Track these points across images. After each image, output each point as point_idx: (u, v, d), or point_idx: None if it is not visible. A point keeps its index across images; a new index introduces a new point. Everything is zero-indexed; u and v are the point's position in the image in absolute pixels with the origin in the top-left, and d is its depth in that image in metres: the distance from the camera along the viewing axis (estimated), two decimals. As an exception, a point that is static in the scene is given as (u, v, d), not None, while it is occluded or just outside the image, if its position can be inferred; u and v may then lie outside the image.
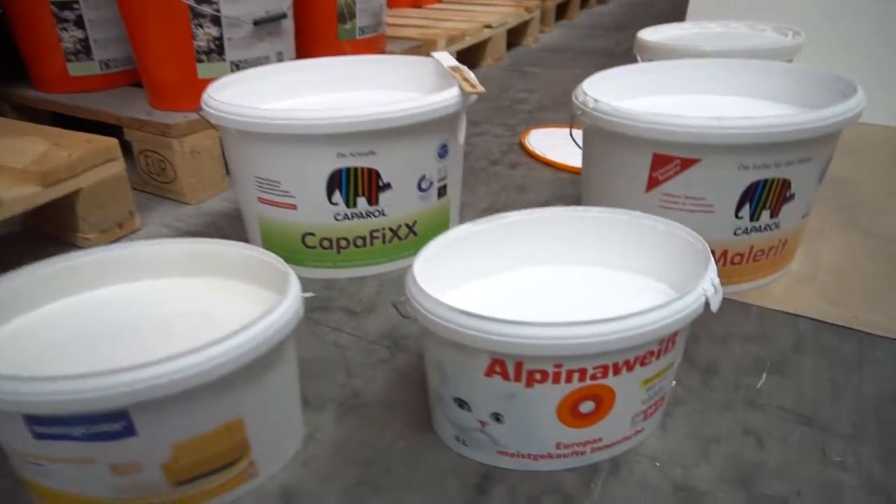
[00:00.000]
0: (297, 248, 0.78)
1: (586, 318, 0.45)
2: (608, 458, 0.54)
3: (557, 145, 1.17)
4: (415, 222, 0.79)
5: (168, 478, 0.47)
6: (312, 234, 0.77)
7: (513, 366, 0.47)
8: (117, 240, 0.91)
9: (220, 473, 0.49)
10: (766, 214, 0.70)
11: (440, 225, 0.83)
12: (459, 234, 0.58)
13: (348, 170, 0.72)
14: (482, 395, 0.50)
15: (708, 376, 0.63)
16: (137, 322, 0.53)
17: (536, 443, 0.52)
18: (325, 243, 0.77)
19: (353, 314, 0.74)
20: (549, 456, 0.52)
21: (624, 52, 1.91)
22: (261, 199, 0.76)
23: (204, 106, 0.73)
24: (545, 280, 0.60)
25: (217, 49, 0.98)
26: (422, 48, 1.48)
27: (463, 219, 0.93)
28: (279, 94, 0.87)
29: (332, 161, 0.71)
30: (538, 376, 0.47)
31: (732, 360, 0.65)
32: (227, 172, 1.04)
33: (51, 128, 0.94)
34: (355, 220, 0.76)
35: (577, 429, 0.51)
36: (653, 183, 0.70)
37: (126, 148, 0.94)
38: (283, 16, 1.04)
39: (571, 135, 0.77)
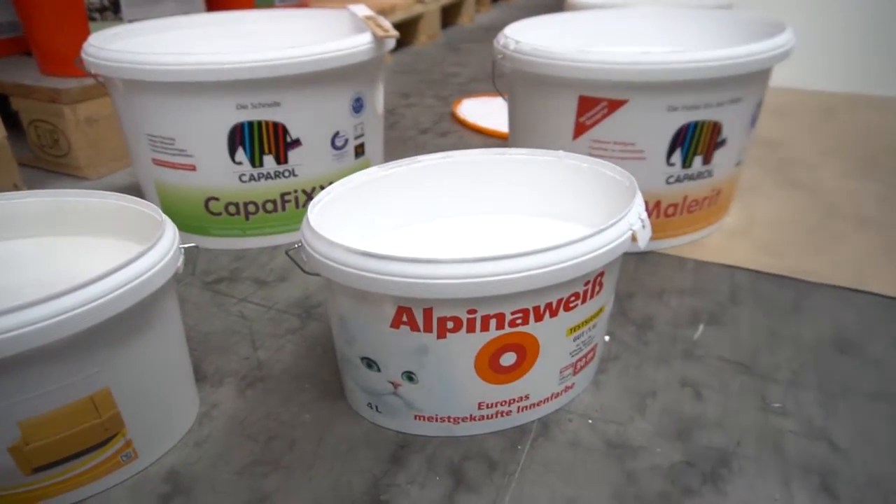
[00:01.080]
0: (200, 216, 0.70)
1: (501, 254, 0.39)
2: (536, 418, 0.49)
3: (490, 112, 1.13)
4: (330, 183, 0.73)
5: (20, 463, 0.40)
6: (216, 199, 0.69)
7: (421, 314, 0.41)
8: None
9: (88, 456, 0.42)
10: (698, 161, 0.66)
11: (361, 188, 0.77)
12: (364, 179, 0.52)
13: (251, 123, 0.65)
14: (391, 352, 0.44)
15: (643, 331, 0.59)
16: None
17: (455, 403, 0.46)
18: (232, 209, 0.70)
19: (262, 284, 0.67)
20: (471, 418, 0.47)
21: (560, 30, 1.89)
22: (156, 161, 0.68)
23: (83, 55, 0.65)
24: (462, 231, 0.55)
25: (112, 5, 0.89)
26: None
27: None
28: (178, 51, 0.79)
29: (231, 113, 0.64)
30: (450, 324, 0.42)
31: (668, 314, 0.61)
32: (131, 144, 0.95)
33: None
34: (263, 181, 0.69)
35: (499, 385, 0.46)
36: (580, 129, 0.65)
37: (13, 120, 0.84)
38: (189, -27, 0.96)
39: (494, 82, 0.72)
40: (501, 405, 0.47)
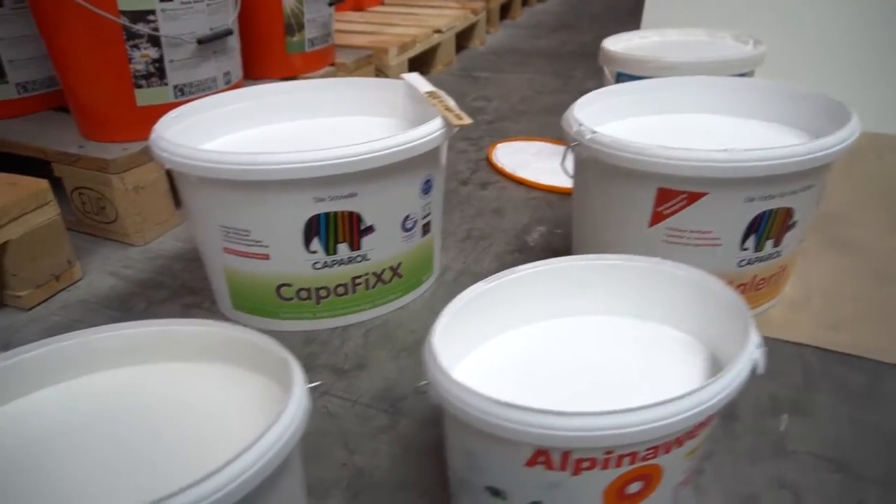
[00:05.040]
0: (270, 301, 0.70)
1: (637, 404, 0.40)
2: (648, 532, 0.50)
3: (526, 162, 1.13)
4: (399, 264, 0.73)
5: None
6: (288, 285, 0.69)
7: (559, 456, 0.42)
8: (56, 294, 0.80)
9: None
10: (769, 244, 0.67)
11: (424, 263, 0.77)
12: (470, 297, 0.52)
13: (327, 215, 0.65)
14: (521, 485, 0.45)
15: (729, 422, 0.60)
16: (105, 430, 0.44)
17: (578, 528, 0.47)
18: (303, 294, 0.70)
19: (340, 372, 0.67)
20: (590, 539, 0.48)
21: (572, 53, 1.89)
22: (227, 250, 0.68)
23: (155, 149, 0.64)
24: (563, 335, 0.56)
25: (157, 72, 0.87)
26: (373, 56, 1.40)
27: (443, 250, 0.87)
28: (235, 125, 0.78)
29: (309, 207, 0.64)
30: (586, 464, 0.43)
31: (749, 401, 0.63)
32: (178, 206, 0.94)
33: (-37, 168, 0.82)
34: (336, 267, 0.69)
35: (621, 510, 0.47)
36: (657, 218, 0.66)
37: (55, 183, 0.82)
38: (229, 32, 0.94)
39: (563, 165, 0.72)
40: (619, 526, 0.48)
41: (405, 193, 0.69)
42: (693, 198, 0.63)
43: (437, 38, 1.62)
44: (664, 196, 0.64)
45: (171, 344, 0.49)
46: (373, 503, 0.53)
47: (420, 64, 1.64)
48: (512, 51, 1.94)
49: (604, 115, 0.79)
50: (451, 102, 0.72)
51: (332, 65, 1.29)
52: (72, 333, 0.47)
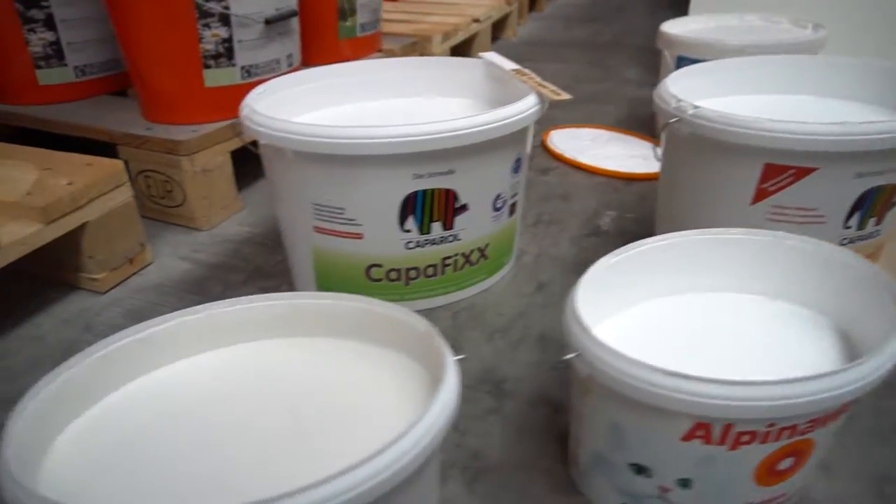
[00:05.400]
0: (359, 283, 0.69)
1: (807, 374, 0.39)
2: (784, 511, 0.49)
3: (584, 147, 1.12)
4: (487, 245, 0.71)
5: None
6: (379, 266, 0.68)
7: (720, 429, 0.40)
8: (129, 277, 0.78)
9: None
10: (871, 223, 0.66)
11: (507, 245, 0.76)
12: (599, 270, 0.51)
13: (424, 192, 0.64)
14: (672, 461, 0.43)
15: (843, 402, 0.59)
16: (244, 404, 0.43)
17: (723, 506, 0.45)
18: (393, 275, 0.68)
19: (435, 354, 0.65)
20: (732, 518, 0.46)
21: (604, 44, 1.88)
22: (318, 229, 0.66)
23: (250, 123, 0.63)
24: (687, 310, 0.54)
25: (226, 52, 0.86)
26: (417, 44, 1.39)
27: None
28: (317, 104, 0.77)
29: (407, 183, 0.63)
30: (746, 438, 0.41)
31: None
32: (240, 191, 0.93)
33: (33, 148, 0.80)
34: (428, 247, 0.67)
35: (767, 487, 0.45)
36: (760, 195, 0.64)
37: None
38: (294, 13, 0.93)
39: (655, 151, 0.71)
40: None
41: (498, 172, 0.68)
42: (801, 173, 0.62)
43: (475, 27, 1.60)
44: (770, 172, 0.63)
45: (297, 318, 0.47)
46: (493, 484, 0.51)
47: (458, 54, 1.62)
48: (544, 42, 1.93)
49: (691, 96, 0.77)
50: (550, 84, 0.71)
51: (380, 51, 1.27)
52: (197, 307, 0.45)
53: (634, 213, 0.92)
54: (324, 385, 0.44)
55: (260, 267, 0.81)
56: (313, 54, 1.13)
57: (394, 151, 0.59)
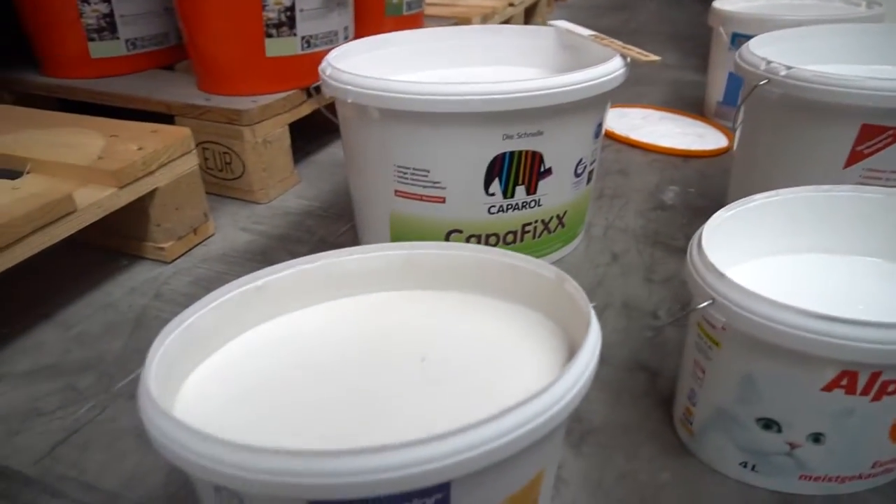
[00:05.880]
0: (437, 248, 0.67)
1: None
2: (909, 471, 0.47)
3: (636, 126, 1.10)
4: (565, 212, 0.70)
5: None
6: (459, 231, 0.66)
7: (867, 377, 0.39)
8: (193, 248, 0.77)
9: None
10: (964, 188, 0.65)
11: (582, 214, 0.74)
12: (716, 224, 0.49)
13: (512, 154, 0.62)
14: (808, 414, 0.42)
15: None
16: (372, 354, 0.41)
17: (854, 463, 0.44)
18: (473, 241, 0.67)
19: (518, 321, 0.64)
20: (860, 477, 0.45)
21: (635, 31, 1.87)
22: (399, 193, 0.65)
23: (334, 82, 0.61)
24: (804, 270, 0.52)
25: (288, 21, 0.84)
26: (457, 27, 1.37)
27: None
28: (390, 70, 0.75)
29: (496, 144, 0.61)
30: (892, 387, 0.40)
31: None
32: (297, 164, 0.91)
33: (93, 118, 0.79)
34: (510, 212, 0.66)
35: (900, 444, 0.44)
36: (855, 157, 0.63)
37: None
38: (352, -16, 0.92)
39: (735, 120, 0.70)
40: (892, 463, 0.45)
41: (581, 136, 0.66)
42: (900, 135, 0.60)
43: (510, 10, 1.59)
44: (868, 133, 0.61)
45: (415, 269, 0.46)
46: (601, 447, 0.50)
47: (492, 38, 1.61)
48: (574, 29, 1.91)
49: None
50: (634, 48, 0.69)
51: (423, 31, 1.26)
52: (313, 256, 0.44)
53: (696, 189, 0.90)
54: (450, 336, 0.42)
55: (324, 238, 0.79)
56: (360, 29, 1.11)
57: (487, 109, 0.58)
